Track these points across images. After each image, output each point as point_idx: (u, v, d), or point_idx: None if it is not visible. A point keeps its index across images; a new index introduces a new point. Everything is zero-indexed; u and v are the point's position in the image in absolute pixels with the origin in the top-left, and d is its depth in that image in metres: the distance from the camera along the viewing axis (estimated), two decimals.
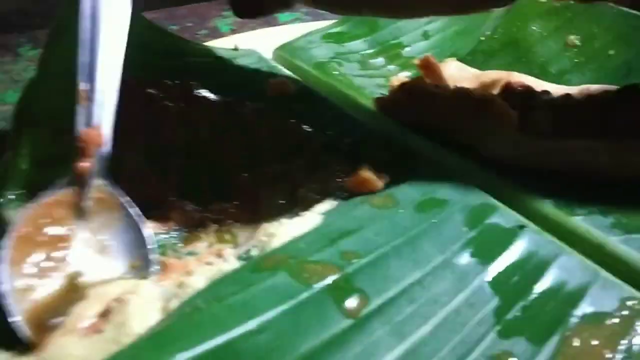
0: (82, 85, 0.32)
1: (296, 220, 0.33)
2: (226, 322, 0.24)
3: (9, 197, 0.34)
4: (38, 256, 0.28)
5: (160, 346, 0.22)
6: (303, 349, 0.25)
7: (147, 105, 0.44)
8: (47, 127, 0.36)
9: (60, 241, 0.29)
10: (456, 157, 0.40)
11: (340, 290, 0.27)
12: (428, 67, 0.46)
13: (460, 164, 0.40)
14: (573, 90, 0.45)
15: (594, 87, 0.45)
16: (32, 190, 0.34)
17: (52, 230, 0.29)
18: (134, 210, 0.32)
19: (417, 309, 0.28)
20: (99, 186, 0.31)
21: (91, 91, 0.32)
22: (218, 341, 0.23)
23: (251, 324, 0.24)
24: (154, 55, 0.48)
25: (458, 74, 0.50)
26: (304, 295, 0.26)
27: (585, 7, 0.53)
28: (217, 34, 0.64)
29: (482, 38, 0.55)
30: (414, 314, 0.28)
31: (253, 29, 0.65)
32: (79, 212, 0.30)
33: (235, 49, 0.54)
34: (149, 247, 0.31)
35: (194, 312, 0.24)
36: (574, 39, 0.52)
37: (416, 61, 0.47)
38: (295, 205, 0.37)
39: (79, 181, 0.31)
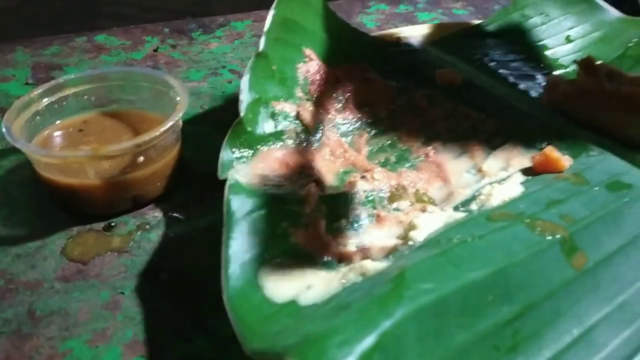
0: None
1: (504, 186, 0.37)
2: (488, 255, 0.29)
3: (237, 155, 0.40)
4: None
5: (455, 264, 0.27)
6: (546, 288, 0.29)
7: (334, 83, 0.49)
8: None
9: None
10: (624, 150, 0.44)
11: (567, 245, 0.31)
12: (589, 67, 0.50)
13: (628, 156, 0.43)
14: None
15: None
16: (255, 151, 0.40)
17: None
18: None
19: (622, 273, 0.32)
20: None
21: None
22: (488, 269, 0.28)
23: (513, 259, 0.29)
24: (335, 42, 0.53)
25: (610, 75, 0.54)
26: (544, 244, 0.31)
27: None
28: (364, 29, 0.68)
29: (630, 44, 0.58)
30: (619, 278, 0.32)
31: (396, 25, 0.70)
32: None
33: (398, 40, 0.59)
34: None
35: (461, 243, 0.29)
36: None
37: (578, 60, 0.51)
38: (483, 178, 0.41)
39: None
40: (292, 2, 0.49)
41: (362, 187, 0.40)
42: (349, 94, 0.49)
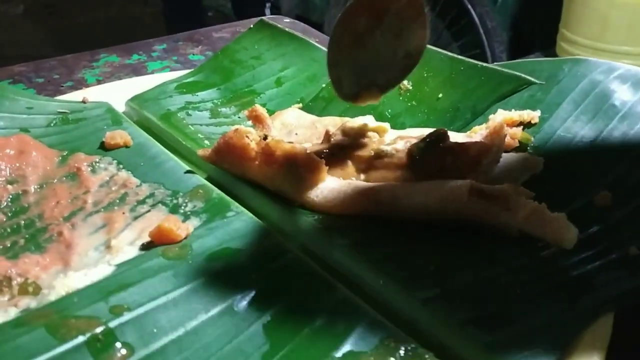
0: None
1: (83, 272, 0.34)
2: None
3: None
4: None
5: None
6: None
7: None
8: None
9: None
10: (272, 204, 0.42)
11: (100, 343, 0.28)
12: (256, 117, 0.49)
13: (273, 210, 0.42)
14: (404, 133, 0.48)
15: (417, 133, 0.48)
16: None
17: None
18: None
19: (185, 358, 0.30)
20: None
21: None
22: None
23: None
24: None
25: (296, 121, 0.53)
26: (58, 350, 0.28)
27: None
28: (83, 85, 0.65)
29: (324, 85, 0.58)
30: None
31: (120, 78, 0.67)
32: None
33: (84, 102, 0.56)
34: None
35: None
36: (406, 83, 0.55)
37: (245, 112, 0.50)
38: (109, 253, 0.38)
39: None
40: None
41: None
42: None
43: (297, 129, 0.52)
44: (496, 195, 0.39)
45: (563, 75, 0.51)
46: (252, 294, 0.34)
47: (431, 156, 0.44)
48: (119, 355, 0.29)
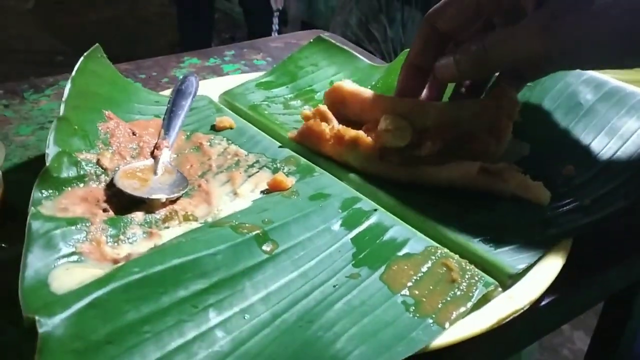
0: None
1: (235, 202, 0.53)
2: (193, 248, 0.44)
3: (45, 195, 0.53)
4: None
5: (162, 255, 0.42)
6: (240, 267, 0.45)
7: (131, 135, 0.64)
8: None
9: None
10: (344, 170, 0.62)
11: (260, 239, 0.48)
12: (322, 115, 0.67)
13: (345, 174, 0.61)
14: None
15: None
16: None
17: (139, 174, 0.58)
18: (181, 175, 0.59)
19: (307, 253, 0.49)
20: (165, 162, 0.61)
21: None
22: (189, 257, 0.43)
23: (210, 250, 0.44)
24: (129, 102, 0.69)
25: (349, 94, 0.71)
26: (240, 239, 0.47)
27: None
28: (176, 81, 0.83)
29: (369, 87, 0.77)
30: (305, 255, 0.49)
31: (204, 78, 0.86)
32: (155, 172, 0.59)
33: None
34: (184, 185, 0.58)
35: (178, 243, 0.45)
36: None
37: (313, 110, 0.68)
38: (235, 198, 0.57)
39: (155, 159, 0.61)
40: (85, 76, 0.64)
41: (141, 213, 0.55)
42: (143, 143, 0.64)
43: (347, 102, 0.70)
44: (496, 171, 0.59)
45: (545, 78, 0.71)
46: (340, 221, 0.53)
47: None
48: (271, 246, 0.48)
